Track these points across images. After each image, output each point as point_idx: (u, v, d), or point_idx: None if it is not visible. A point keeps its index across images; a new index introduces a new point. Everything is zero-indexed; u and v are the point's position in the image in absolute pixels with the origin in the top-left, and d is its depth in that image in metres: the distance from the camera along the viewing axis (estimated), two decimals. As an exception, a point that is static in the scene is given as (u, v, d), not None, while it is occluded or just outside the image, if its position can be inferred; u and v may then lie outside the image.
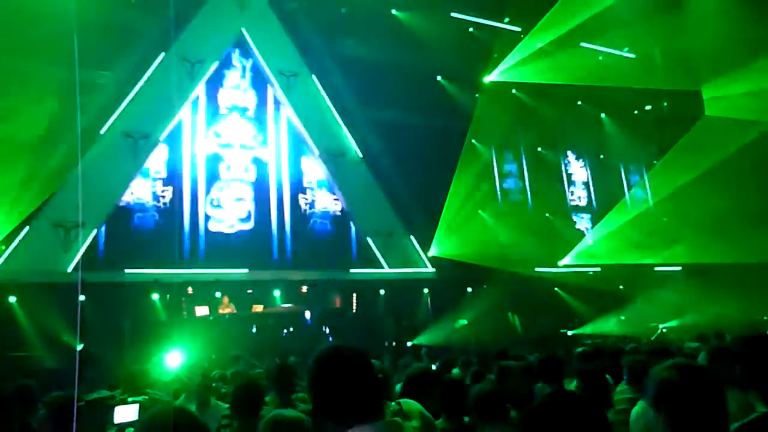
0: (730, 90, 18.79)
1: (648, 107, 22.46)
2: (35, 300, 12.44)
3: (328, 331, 14.06)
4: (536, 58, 18.37)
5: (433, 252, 18.02)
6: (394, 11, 17.81)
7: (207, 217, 15.98)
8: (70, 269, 13.67)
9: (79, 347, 11.83)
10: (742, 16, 16.20)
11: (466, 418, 3.31)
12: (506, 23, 18.66)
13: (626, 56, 21.14)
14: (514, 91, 19.90)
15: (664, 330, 15.75)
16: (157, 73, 15.14)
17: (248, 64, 17.07)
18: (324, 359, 1.87)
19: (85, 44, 11.18)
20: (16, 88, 12.11)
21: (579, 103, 20.83)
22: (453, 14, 18.42)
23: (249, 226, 16.42)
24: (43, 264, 13.39)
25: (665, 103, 21.93)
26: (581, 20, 17.49)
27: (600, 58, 21.00)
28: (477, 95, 19.41)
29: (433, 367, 6.83)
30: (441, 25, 17.88)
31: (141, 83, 14.96)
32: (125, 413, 4.07)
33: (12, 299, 13.01)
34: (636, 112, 22.36)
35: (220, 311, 14.34)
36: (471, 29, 18.96)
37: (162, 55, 15.19)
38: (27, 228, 13.41)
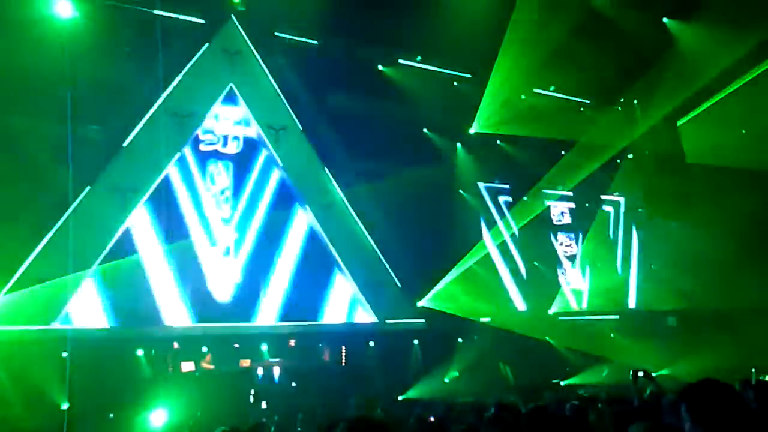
0: (707, 135, 19.21)
1: (630, 156, 22.80)
2: (14, 355, 12.12)
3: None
4: (516, 110, 18.74)
5: (423, 303, 17.89)
6: (380, 67, 18.25)
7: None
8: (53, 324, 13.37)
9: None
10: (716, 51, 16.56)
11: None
12: (487, 76, 19.01)
13: (608, 107, 21.62)
14: (498, 142, 20.20)
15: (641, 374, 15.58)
16: (146, 127, 15.24)
17: (237, 117, 17.23)
18: None
19: (76, 99, 11.39)
20: (5, 143, 12.17)
21: (562, 153, 20.99)
22: (441, 69, 18.93)
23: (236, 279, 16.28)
24: (27, 319, 13.10)
25: (647, 152, 22.29)
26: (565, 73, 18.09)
27: (581, 109, 21.51)
28: (460, 145, 19.64)
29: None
30: (425, 79, 18.33)
31: (130, 138, 15.05)
32: None
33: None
34: (618, 161, 22.64)
35: (203, 365, 14.12)
36: (455, 83, 19.41)
37: (152, 109, 15.33)
38: (11, 282, 13.17)
